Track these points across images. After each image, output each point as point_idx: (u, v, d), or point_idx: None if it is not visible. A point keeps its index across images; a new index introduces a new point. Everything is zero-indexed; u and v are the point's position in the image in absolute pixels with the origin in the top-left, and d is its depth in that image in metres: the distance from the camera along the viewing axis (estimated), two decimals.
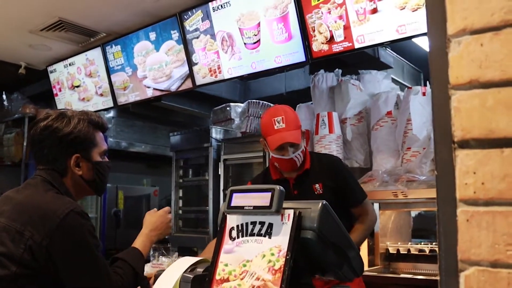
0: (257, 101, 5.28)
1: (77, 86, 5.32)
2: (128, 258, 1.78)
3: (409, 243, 3.91)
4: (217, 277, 1.43)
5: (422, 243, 3.86)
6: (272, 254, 1.35)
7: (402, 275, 3.51)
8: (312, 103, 4.41)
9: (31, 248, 1.51)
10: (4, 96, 6.80)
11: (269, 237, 1.39)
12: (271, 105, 5.27)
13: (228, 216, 1.50)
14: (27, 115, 6.24)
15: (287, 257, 1.32)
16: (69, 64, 5.35)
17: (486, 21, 0.81)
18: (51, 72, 5.61)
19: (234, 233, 1.47)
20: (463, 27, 0.83)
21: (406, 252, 3.73)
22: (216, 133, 5.27)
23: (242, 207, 1.45)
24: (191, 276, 1.59)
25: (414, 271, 3.62)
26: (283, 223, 1.38)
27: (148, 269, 2.28)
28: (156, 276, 1.74)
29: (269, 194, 1.40)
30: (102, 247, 1.67)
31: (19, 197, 1.67)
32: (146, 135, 7.41)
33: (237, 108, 5.47)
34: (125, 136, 7.09)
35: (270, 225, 1.40)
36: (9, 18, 4.42)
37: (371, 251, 3.73)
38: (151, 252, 2.36)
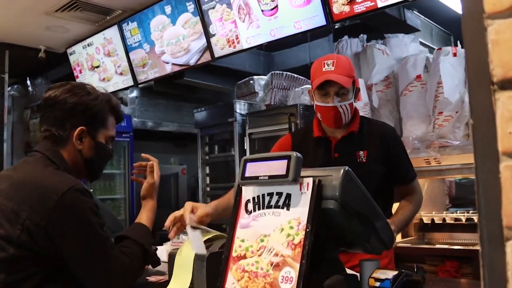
0: (281, 72, 5.18)
1: (97, 67, 5.26)
2: (135, 235, 1.68)
3: (444, 212, 3.76)
4: (234, 254, 1.36)
5: (458, 211, 3.70)
6: (291, 228, 1.28)
7: (438, 246, 3.40)
8: None
9: (28, 229, 1.43)
10: (28, 82, 6.82)
11: (287, 209, 1.31)
12: (295, 76, 5.17)
13: (243, 188, 1.42)
14: None
15: (307, 230, 1.24)
16: (88, 45, 5.29)
17: None
18: (71, 54, 5.57)
19: (250, 206, 1.39)
20: None
21: (441, 222, 3.60)
22: (240, 107, 5.20)
23: (256, 177, 1.37)
24: (206, 254, 1.50)
25: (450, 241, 3.51)
26: (302, 193, 1.29)
27: (169, 248, 2.19)
28: (171, 255, 1.65)
29: (285, 162, 1.31)
30: (108, 227, 1.58)
31: (16, 175, 1.58)
32: (171, 113, 7.37)
33: (260, 81, 5.37)
34: (150, 116, 7.06)
35: (288, 196, 1.32)
36: (23, 1, 4.36)
37: None
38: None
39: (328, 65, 2.11)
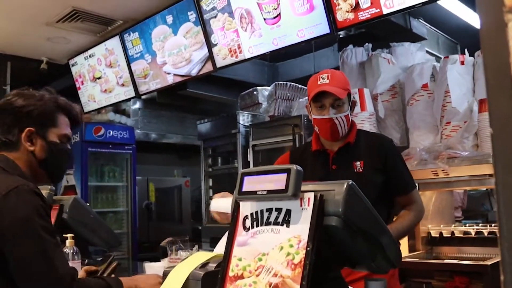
0: (285, 83, 5.14)
1: (99, 78, 5.23)
2: (108, 279, 1.67)
3: (453, 225, 3.65)
4: (230, 273, 1.28)
5: (467, 224, 3.59)
6: (291, 246, 1.20)
7: (447, 261, 3.29)
8: None
9: None
10: None
11: (287, 226, 1.23)
12: (299, 86, 5.11)
13: (241, 204, 1.34)
14: None
15: (308, 249, 1.15)
16: (89, 56, 5.26)
17: None
18: (73, 65, 5.55)
19: (248, 223, 1.31)
20: None
21: (449, 235, 3.49)
22: (243, 118, 5.15)
23: (254, 192, 1.29)
24: (202, 273, 1.42)
25: (459, 256, 3.40)
26: (302, 209, 1.22)
27: (166, 264, 2.11)
28: (165, 273, 1.57)
29: (284, 176, 1.23)
30: (57, 235, 1.53)
31: None
32: (175, 125, 7.35)
33: (264, 92, 5.33)
34: (153, 127, 7.03)
35: (288, 212, 1.24)
36: (23, 12, 4.35)
37: (412, 235, 3.50)
38: (169, 246, 2.18)
39: (323, 78, 2.17)
